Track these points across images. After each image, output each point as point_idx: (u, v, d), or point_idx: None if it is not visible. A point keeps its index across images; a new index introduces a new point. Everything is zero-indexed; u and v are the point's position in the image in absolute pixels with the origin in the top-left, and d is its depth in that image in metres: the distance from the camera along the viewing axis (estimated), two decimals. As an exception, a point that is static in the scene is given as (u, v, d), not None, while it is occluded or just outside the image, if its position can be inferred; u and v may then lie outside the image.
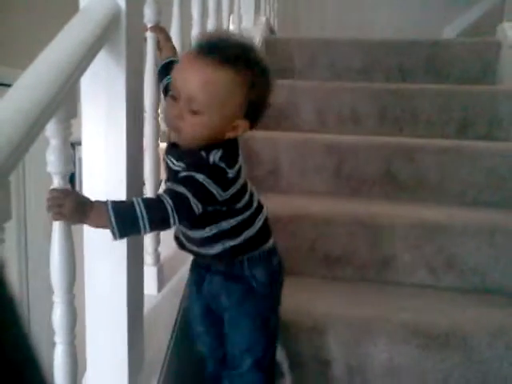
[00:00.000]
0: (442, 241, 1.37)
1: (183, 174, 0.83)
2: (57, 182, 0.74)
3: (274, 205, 1.11)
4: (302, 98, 1.92)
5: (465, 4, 2.63)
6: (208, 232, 0.89)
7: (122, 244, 0.86)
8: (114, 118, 0.84)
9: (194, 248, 0.95)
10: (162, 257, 1.18)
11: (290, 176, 1.67)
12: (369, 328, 1.16)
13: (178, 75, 0.84)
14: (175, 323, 1.12)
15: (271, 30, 2.47)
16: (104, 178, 0.86)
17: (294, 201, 1.57)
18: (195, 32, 1.46)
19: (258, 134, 1.57)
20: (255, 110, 0.86)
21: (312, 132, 1.83)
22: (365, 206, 1.52)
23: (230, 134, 0.85)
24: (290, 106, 1.90)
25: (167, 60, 1.04)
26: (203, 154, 0.83)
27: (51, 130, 0.72)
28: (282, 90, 1.93)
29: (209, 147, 0.84)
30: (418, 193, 1.61)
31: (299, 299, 1.22)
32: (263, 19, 2.34)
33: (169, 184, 0.88)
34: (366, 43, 2.19)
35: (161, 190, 0.99)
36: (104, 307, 0.91)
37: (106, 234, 0.76)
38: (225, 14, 1.84)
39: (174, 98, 0.83)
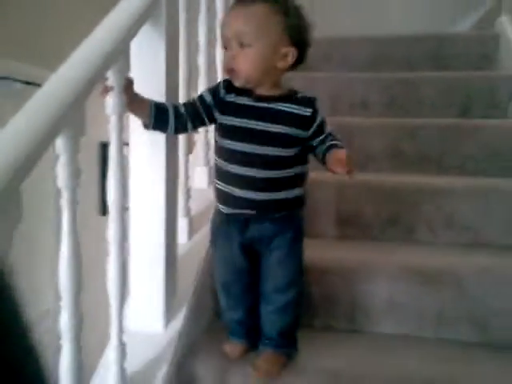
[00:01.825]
0: (440, 201, 1.53)
1: (320, 118, 1.03)
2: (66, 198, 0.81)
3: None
4: (316, 87, 2.11)
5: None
6: (291, 172, 1.04)
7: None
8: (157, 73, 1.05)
9: (266, 194, 1.03)
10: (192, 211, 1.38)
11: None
12: (371, 268, 1.32)
13: (223, 26, 1.03)
14: (202, 264, 1.30)
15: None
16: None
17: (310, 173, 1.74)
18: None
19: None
20: (297, 36, 1.00)
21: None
22: (372, 176, 1.69)
23: (281, 64, 1.00)
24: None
25: (153, 110, 1.02)
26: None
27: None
28: (297, 81, 2.14)
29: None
30: (422, 166, 1.78)
31: (313, 250, 1.39)
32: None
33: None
34: (375, 39, 2.37)
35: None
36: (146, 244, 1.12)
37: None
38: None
39: (225, 48, 1.01)
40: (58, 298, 0.81)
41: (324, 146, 1.03)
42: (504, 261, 1.36)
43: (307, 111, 1.03)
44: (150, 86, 1.08)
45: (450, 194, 1.55)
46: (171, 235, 1.18)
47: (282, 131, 1.01)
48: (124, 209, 0.99)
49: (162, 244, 1.13)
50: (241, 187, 1.03)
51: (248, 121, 1.02)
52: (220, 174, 1.07)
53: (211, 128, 1.27)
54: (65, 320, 0.82)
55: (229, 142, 1.03)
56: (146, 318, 1.13)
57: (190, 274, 1.26)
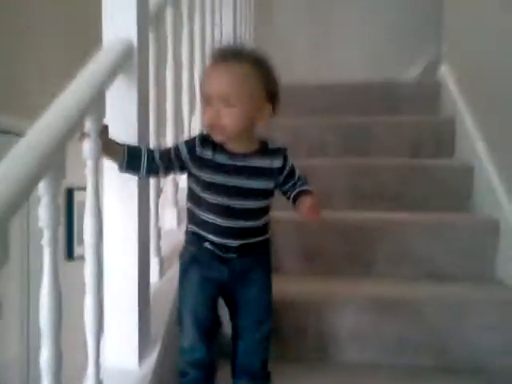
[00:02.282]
0: (398, 236, 1.64)
1: (290, 165, 1.12)
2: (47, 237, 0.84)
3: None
4: (276, 133, 2.22)
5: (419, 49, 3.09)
6: (266, 203, 1.12)
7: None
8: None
9: (242, 223, 1.09)
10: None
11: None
12: (336, 300, 1.39)
13: (206, 82, 1.06)
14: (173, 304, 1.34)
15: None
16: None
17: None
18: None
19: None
20: (273, 96, 1.07)
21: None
22: (334, 213, 1.79)
23: (260, 119, 1.06)
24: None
25: (126, 153, 1.06)
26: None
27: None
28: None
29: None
30: (379, 203, 1.89)
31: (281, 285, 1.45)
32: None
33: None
34: (331, 86, 2.53)
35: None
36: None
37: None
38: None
39: (207, 103, 1.04)
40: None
41: (294, 191, 1.13)
42: (457, 289, 1.47)
43: (278, 163, 1.11)
44: (123, 130, 1.13)
45: (406, 228, 1.66)
46: (144, 275, 1.21)
47: (259, 186, 1.09)
48: (100, 251, 1.03)
49: (135, 284, 1.17)
50: (218, 235, 1.10)
51: (227, 178, 1.07)
52: (196, 221, 1.13)
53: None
54: (45, 357, 0.84)
55: (209, 196, 1.08)
56: (122, 355, 1.15)
57: (163, 312, 1.29)
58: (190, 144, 1.10)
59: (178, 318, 1.17)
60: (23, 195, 0.74)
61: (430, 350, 1.33)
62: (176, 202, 1.57)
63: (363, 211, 1.83)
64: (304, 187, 1.14)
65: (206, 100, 1.05)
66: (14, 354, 2.65)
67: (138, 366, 1.16)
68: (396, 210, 1.84)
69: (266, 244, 1.16)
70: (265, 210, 1.13)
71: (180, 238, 1.52)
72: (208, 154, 1.08)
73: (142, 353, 1.17)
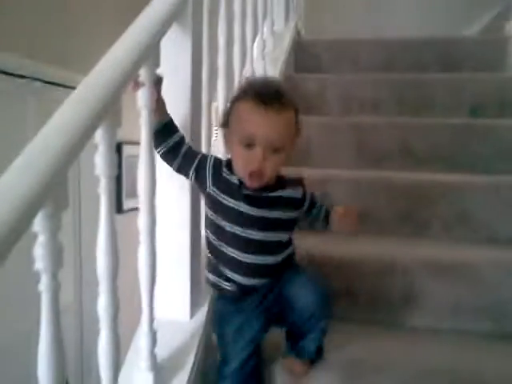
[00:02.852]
0: (452, 198, 1.57)
1: (310, 195, 1.10)
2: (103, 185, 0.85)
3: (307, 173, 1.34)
4: (328, 88, 2.16)
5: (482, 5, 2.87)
6: (289, 235, 1.10)
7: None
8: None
9: (262, 258, 1.05)
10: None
11: (319, 152, 1.89)
12: (390, 261, 1.35)
13: (250, 125, 0.97)
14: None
15: (298, 33, 2.72)
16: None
17: (325, 171, 1.78)
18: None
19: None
20: (299, 128, 1.03)
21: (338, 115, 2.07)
22: (385, 173, 1.73)
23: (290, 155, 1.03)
24: (318, 96, 2.14)
25: (167, 121, 1.06)
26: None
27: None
28: (310, 82, 2.19)
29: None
30: (433, 165, 1.81)
31: (331, 245, 1.43)
32: (292, 24, 2.60)
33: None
34: (386, 42, 2.42)
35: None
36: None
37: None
38: (260, 18, 2.10)
39: (249, 146, 0.97)
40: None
41: (321, 215, 1.13)
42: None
43: (299, 193, 1.08)
44: (177, 79, 1.12)
45: (464, 190, 1.58)
46: (196, 225, 1.21)
47: (284, 216, 1.05)
48: (153, 201, 1.02)
49: (188, 235, 1.17)
50: (241, 274, 1.05)
51: (251, 208, 1.02)
52: (215, 253, 1.08)
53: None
54: (103, 304, 0.86)
55: (228, 224, 1.03)
56: (174, 307, 1.17)
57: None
58: (218, 161, 1.07)
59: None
60: (81, 144, 0.73)
61: (488, 315, 1.28)
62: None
63: (417, 172, 1.75)
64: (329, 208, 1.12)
65: (246, 142, 0.97)
66: (68, 301, 2.77)
67: (189, 318, 1.18)
68: (453, 171, 1.76)
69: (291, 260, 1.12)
70: (287, 244, 1.10)
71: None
72: (234, 180, 1.03)
73: (194, 306, 1.19)
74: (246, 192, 1.02)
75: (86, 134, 0.74)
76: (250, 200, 1.02)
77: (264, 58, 2.04)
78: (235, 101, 1.03)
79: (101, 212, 0.85)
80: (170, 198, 1.16)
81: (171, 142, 1.05)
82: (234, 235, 1.03)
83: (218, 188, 1.04)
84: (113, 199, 0.86)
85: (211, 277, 1.10)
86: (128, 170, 3.02)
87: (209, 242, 1.09)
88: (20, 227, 0.60)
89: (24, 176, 0.64)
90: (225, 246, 1.05)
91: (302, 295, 1.05)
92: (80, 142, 0.72)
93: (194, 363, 1.08)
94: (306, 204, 1.10)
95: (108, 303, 0.85)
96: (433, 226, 1.58)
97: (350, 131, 1.88)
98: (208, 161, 1.06)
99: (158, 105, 1.03)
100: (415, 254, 1.40)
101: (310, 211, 1.12)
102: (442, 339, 1.25)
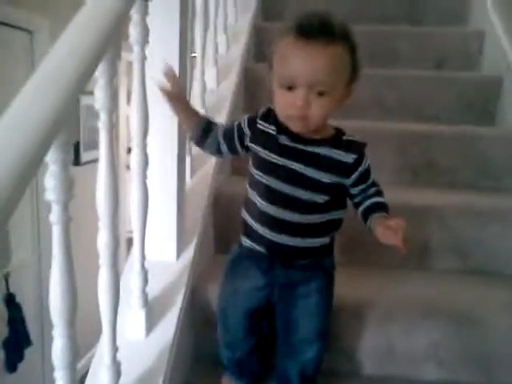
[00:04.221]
0: (423, 146, 1.64)
1: (366, 165, 0.94)
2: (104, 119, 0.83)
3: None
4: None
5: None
6: (322, 218, 0.95)
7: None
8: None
9: (290, 239, 0.95)
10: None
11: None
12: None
13: (290, 63, 0.84)
14: (205, 201, 1.35)
15: None
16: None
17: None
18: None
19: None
20: (357, 71, 0.89)
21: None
22: (358, 123, 1.77)
23: (344, 102, 0.90)
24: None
25: (204, 124, 1.05)
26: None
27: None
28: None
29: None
30: (402, 115, 1.87)
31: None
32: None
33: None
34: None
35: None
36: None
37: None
38: None
39: (289, 88, 0.85)
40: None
41: (367, 201, 0.96)
42: (479, 198, 1.49)
43: (351, 157, 0.92)
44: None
45: (430, 139, 1.65)
46: (181, 172, 1.22)
47: (318, 177, 0.92)
48: (145, 139, 1.01)
49: (175, 182, 1.18)
50: (264, 224, 0.96)
51: (285, 160, 0.92)
52: (247, 205, 1.00)
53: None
54: (103, 239, 0.85)
55: (261, 174, 0.95)
56: (161, 250, 1.18)
57: (196, 211, 1.31)
58: (251, 117, 1.00)
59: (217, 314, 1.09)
60: (91, 71, 0.72)
61: (454, 254, 1.38)
62: (203, 103, 1.54)
63: (387, 122, 1.81)
64: (380, 199, 0.97)
65: (286, 83, 0.86)
66: (26, 257, 2.71)
67: (176, 259, 1.19)
68: (420, 121, 1.82)
69: (325, 252, 1.00)
70: (327, 207, 0.95)
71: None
72: (271, 128, 0.95)
73: (180, 248, 1.21)
74: (282, 142, 0.93)
75: (94, 61, 0.72)
76: (285, 152, 0.93)
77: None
78: (278, 38, 0.89)
79: (100, 149, 0.84)
80: (159, 150, 1.15)
81: (214, 139, 1.03)
82: (264, 186, 0.94)
83: (255, 143, 0.97)
84: (113, 136, 0.85)
85: (245, 240, 1.02)
86: (85, 121, 2.90)
87: (246, 197, 1.01)
88: (35, 159, 0.58)
89: (37, 104, 0.62)
90: (256, 195, 0.96)
91: (306, 323, 1.00)
92: (90, 69, 0.70)
93: (183, 299, 1.11)
94: (356, 175, 0.94)
95: (108, 239, 0.85)
96: (404, 173, 1.64)
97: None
98: (243, 124, 1.00)
99: (187, 113, 1.02)
100: (387, 197, 1.46)
101: (355, 186, 0.96)
102: (411, 276, 1.34)
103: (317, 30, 0.82)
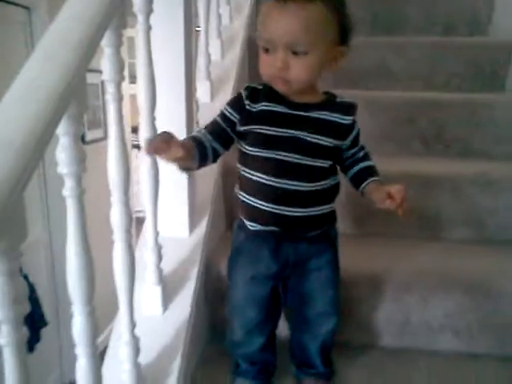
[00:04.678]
0: (432, 115, 1.60)
1: (357, 129, 0.93)
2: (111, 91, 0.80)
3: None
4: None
5: None
6: (325, 185, 0.92)
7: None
8: None
9: (299, 210, 0.91)
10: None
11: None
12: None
13: (268, 26, 0.84)
14: (216, 177, 1.32)
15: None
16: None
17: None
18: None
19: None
20: (346, 32, 0.87)
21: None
22: (363, 93, 1.73)
23: (332, 66, 0.88)
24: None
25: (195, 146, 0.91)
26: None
27: None
28: None
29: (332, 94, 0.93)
30: (410, 83, 1.83)
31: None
32: None
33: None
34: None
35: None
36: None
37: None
38: None
39: (267, 51, 0.85)
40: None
41: (357, 166, 0.96)
42: (492, 167, 1.47)
43: (347, 119, 0.92)
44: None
45: (440, 107, 1.62)
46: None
47: (321, 141, 0.90)
48: (153, 113, 0.99)
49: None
50: (270, 200, 0.91)
51: (284, 130, 0.89)
52: (246, 185, 0.94)
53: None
54: (116, 215, 0.84)
55: (260, 150, 0.90)
56: (174, 226, 1.17)
57: (207, 187, 1.29)
58: (234, 101, 0.93)
59: (227, 307, 1.03)
60: (99, 37, 0.70)
61: (468, 224, 1.36)
62: (208, 75, 1.50)
63: (392, 91, 1.77)
64: (370, 163, 0.97)
65: (267, 46, 0.85)
66: (37, 235, 2.70)
67: (188, 235, 1.18)
68: (429, 89, 1.79)
69: (331, 219, 0.98)
70: (328, 172, 0.93)
71: (213, 111, 1.49)
72: (260, 105, 0.90)
73: (192, 224, 1.19)
74: (280, 111, 0.90)
75: (101, 27, 0.69)
76: (284, 120, 0.89)
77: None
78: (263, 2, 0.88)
79: (110, 122, 0.81)
80: (167, 124, 1.12)
81: (207, 152, 0.92)
82: (265, 159, 0.90)
83: (249, 123, 0.91)
84: (122, 107, 0.82)
85: (248, 224, 0.96)
86: (88, 99, 2.85)
87: (241, 178, 0.95)
88: (47, 132, 0.56)
89: (47, 72, 0.59)
90: (255, 173, 0.91)
91: (322, 296, 0.98)
92: (97, 35, 0.67)
93: (197, 275, 1.10)
94: (351, 137, 0.93)
95: (121, 214, 0.83)
96: (414, 143, 1.61)
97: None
98: (228, 112, 0.93)
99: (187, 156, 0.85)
100: (398, 168, 1.43)
101: (349, 149, 0.95)
102: (426, 247, 1.33)
103: None
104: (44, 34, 0.63)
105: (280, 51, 0.83)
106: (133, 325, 0.86)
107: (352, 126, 0.93)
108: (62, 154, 0.64)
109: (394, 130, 1.62)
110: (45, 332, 2.67)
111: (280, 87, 0.88)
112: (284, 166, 0.89)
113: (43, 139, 0.54)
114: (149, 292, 1.02)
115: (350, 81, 1.84)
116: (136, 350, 0.87)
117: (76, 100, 0.63)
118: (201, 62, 1.49)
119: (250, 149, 0.91)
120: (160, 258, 1.02)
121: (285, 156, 0.89)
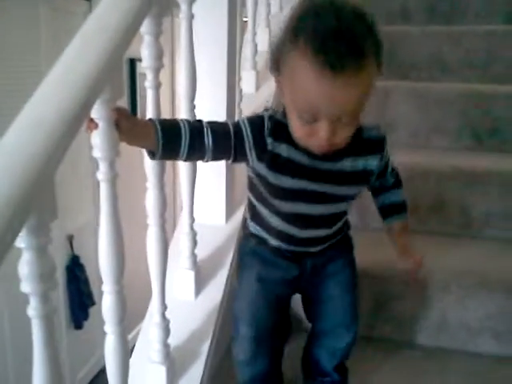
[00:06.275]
0: (485, 108, 1.53)
1: (385, 159, 0.85)
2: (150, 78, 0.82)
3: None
4: None
5: None
6: (345, 217, 0.91)
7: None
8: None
9: (321, 231, 0.87)
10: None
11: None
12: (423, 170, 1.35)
13: (313, 99, 0.68)
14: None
15: None
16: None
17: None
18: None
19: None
20: (381, 67, 0.71)
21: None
22: (417, 85, 1.68)
23: None
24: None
25: (156, 128, 0.73)
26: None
27: None
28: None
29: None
30: (464, 74, 1.76)
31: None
32: None
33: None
34: None
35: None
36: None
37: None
38: None
39: (309, 119, 0.70)
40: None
41: (384, 196, 0.93)
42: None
43: (375, 160, 0.82)
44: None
45: (495, 100, 1.54)
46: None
47: (347, 192, 0.84)
48: (193, 101, 1.00)
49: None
50: (288, 243, 0.88)
51: (307, 182, 0.80)
52: (260, 222, 0.88)
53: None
54: (151, 200, 0.86)
55: (283, 203, 0.82)
56: (211, 213, 1.18)
57: (245, 177, 1.29)
58: (257, 127, 0.78)
59: (233, 323, 0.94)
60: (136, 26, 0.71)
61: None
62: (254, 65, 1.50)
63: (449, 82, 1.71)
64: (398, 197, 0.93)
65: (307, 117, 0.70)
66: (89, 218, 2.82)
67: (224, 222, 1.19)
68: (485, 81, 1.71)
69: (345, 229, 0.95)
70: (347, 212, 0.90)
71: (258, 102, 1.49)
72: (283, 149, 0.77)
73: (228, 212, 1.21)
74: (300, 163, 0.78)
75: (138, 15, 0.70)
76: (306, 173, 0.79)
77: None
78: (285, 43, 0.70)
79: (148, 107, 0.83)
80: (207, 112, 1.13)
81: (185, 142, 0.75)
82: (288, 213, 0.84)
83: (262, 162, 0.78)
84: (159, 93, 0.83)
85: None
86: (142, 87, 2.92)
87: (254, 210, 0.89)
88: (80, 113, 0.57)
89: (83, 57, 0.61)
90: (276, 221, 0.85)
91: (341, 303, 0.93)
92: (135, 22, 0.69)
93: (231, 262, 1.11)
94: (379, 170, 0.86)
95: (157, 199, 0.85)
96: (466, 138, 1.55)
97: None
98: (248, 138, 0.77)
99: (134, 135, 0.72)
100: (448, 163, 1.38)
101: (377, 178, 0.87)
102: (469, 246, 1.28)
103: (346, 57, 0.64)
104: (85, 21, 0.65)
105: (324, 122, 0.69)
106: (164, 307, 0.89)
107: (379, 164, 0.84)
108: (97, 138, 0.66)
109: (447, 124, 1.56)
110: (92, 311, 2.79)
111: (319, 151, 0.75)
112: (307, 218, 0.84)
113: (74, 120, 0.56)
114: (182, 277, 1.04)
115: (401, 72, 1.79)
116: (166, 332, 0.89)
117: (110, 85, 0.65)
118: (247, 51, 1.49)
119: (268, 196, 0.83)
120: (195, 243, 1.04)
121: (307, 209, 0.83)
